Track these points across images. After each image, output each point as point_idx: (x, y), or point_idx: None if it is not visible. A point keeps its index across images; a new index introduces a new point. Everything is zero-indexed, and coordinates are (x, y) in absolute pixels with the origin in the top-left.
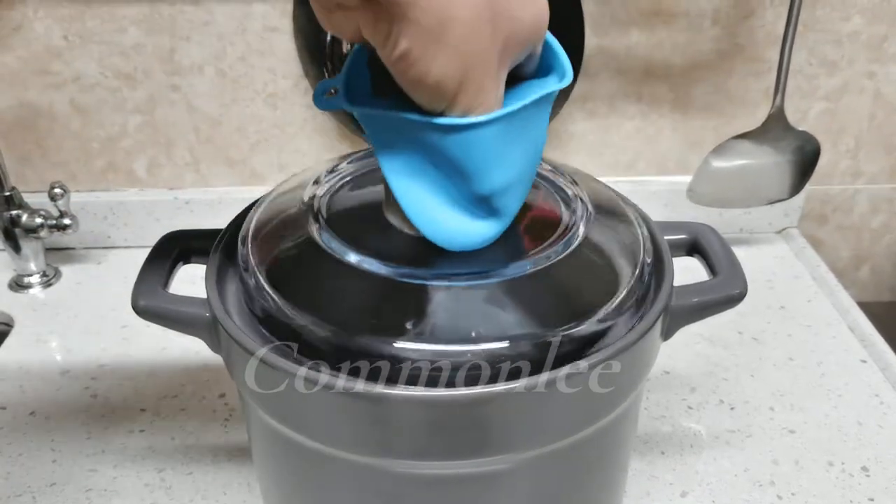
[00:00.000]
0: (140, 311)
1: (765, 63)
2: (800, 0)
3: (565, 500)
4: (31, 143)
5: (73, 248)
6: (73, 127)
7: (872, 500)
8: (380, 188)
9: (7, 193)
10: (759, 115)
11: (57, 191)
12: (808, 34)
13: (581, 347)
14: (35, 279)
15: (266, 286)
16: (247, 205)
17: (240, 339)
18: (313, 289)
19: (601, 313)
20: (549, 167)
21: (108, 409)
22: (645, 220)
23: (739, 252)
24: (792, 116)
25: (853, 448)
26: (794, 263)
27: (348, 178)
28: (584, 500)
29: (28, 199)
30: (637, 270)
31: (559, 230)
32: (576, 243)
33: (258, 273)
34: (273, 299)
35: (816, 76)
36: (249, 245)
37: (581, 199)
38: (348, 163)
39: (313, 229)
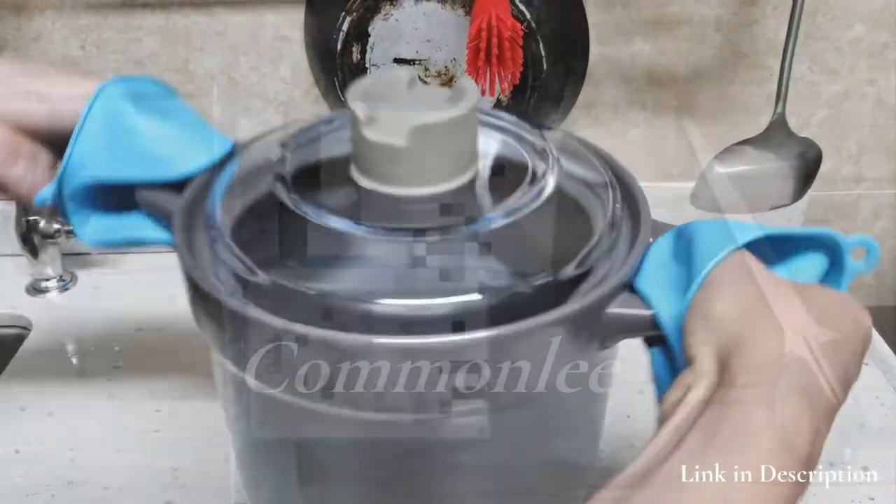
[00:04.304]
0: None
1: (767, 70)
2: (801, 8)
3: (541, 447)
4: None
5: (88, 254)
6: None
7: (873, 499)
8: (346, 149)
9: None
10: (762, 121)
11: None
12: (810, 42)
13: (560, 294)
14: (52, 284)
15: (233, 247)
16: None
17: (207, 289)
18: (282, 250)
19: (578, 260)
20: (513, 119)
21: (123, 409)
22: (615, 166)
23: None
24: (794, 123)
25: (854, 449)
26: None
27: (315, 140)
28: (559, 447)
29: None
30: (609, 218)
31: (528, 180)
32: (546, 193)
33: (224, 235)
34: (239, 260)
35: (818, 83)
36: (217, 207)
37: (548, 150)
38: (313, 125)
39: (280, 190)
